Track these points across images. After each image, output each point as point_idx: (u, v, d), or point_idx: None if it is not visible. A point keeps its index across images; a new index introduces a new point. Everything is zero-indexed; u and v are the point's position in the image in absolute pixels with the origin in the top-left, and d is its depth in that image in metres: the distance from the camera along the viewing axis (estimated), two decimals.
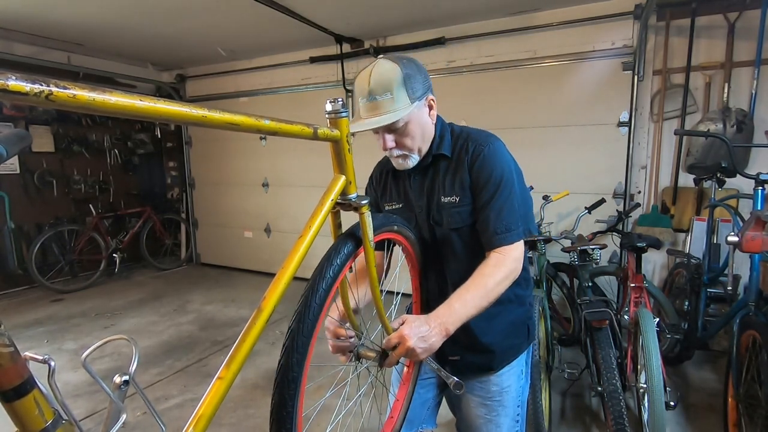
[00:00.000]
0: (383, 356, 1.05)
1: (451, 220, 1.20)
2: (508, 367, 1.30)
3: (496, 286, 1.05)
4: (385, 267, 1.29)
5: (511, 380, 1.30)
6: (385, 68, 1.08)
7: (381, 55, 1.13)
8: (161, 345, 3.51)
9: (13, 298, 4.72)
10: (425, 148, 1.20)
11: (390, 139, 1.14)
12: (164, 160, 6.42)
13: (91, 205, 5.36)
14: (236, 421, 2.49)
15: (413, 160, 1.19)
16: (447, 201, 1.20)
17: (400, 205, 1.30)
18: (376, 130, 1.15)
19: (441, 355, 1.28)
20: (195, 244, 6.29)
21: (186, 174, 6.18)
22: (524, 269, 1.30)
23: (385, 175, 1.36)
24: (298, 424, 0.80)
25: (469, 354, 1.27)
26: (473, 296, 1.03)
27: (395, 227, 1.08)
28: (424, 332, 0.94)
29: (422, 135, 1.17)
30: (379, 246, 1.18)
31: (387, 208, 1.33)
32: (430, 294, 1.29)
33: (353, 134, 0.95)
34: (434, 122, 1.21)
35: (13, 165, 4.81)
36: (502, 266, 1.08)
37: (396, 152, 1.17)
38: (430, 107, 1.18)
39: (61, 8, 3.61)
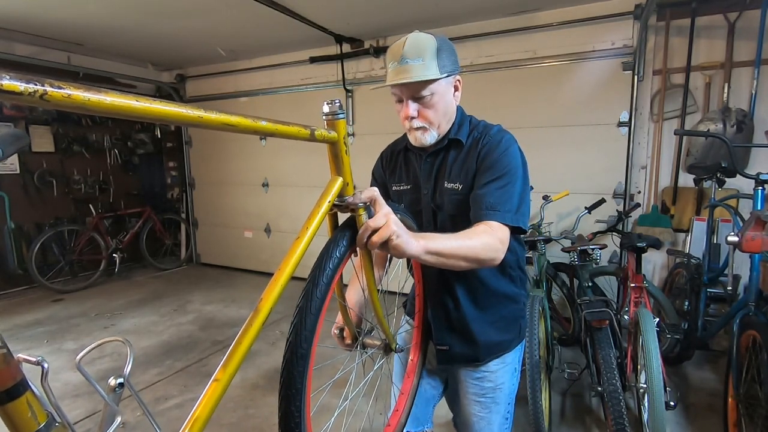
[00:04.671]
0: (387, 349, 1.13)
1: (451, 206, 1.20)
2: (502, 363, 1.30)
3: (479, 246, 1.01)
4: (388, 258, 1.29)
5: (506, 377, 1.31)
6: (421, 37, 1.10)
7: (417, 30, 1.15)
8: (161, 345, 3.51)
9: (13, 298, 4.73)
10: (445, 128, 1.19)
11: (413, 107, 1.13)
12: (164, 160, 6.41)
13: (91, 205, 5.36)
14: (236, 421, 2.49)
15: (431, 136, 1.18)
16: (449, 187, 1.20)
17: (408, 187, 1.30)
18: (399, 99, 1.15)
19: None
20: (195, 244, 6.29)
21: (186, 174, 6.18)
22: (521, 269, 1.32)
23: (395, 156, 1.35)
24: (307, 403, 0.80)
25: (458, 344, 1.28)
26: (451, 241, 0.99)
27: (398, 216, 1.09)
28: (402, 227, 0.90)
29: (445, 111, 1.17)
30: None
31: (395, 188, 1.33)
32: (429, 283, 1.28)
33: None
34: (457, 104, 1.21)
35: (13, 165, 4.81)
36: (486, 235, 1.04)
37: (417, 123, 1.15)
38: (456, 88, 1.19)
39: (61, 8, 3.61)
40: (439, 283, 1.26)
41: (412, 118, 1.14)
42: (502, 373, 1.30)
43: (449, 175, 1.21)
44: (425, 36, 1.10)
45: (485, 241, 1.03)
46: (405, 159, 1.32)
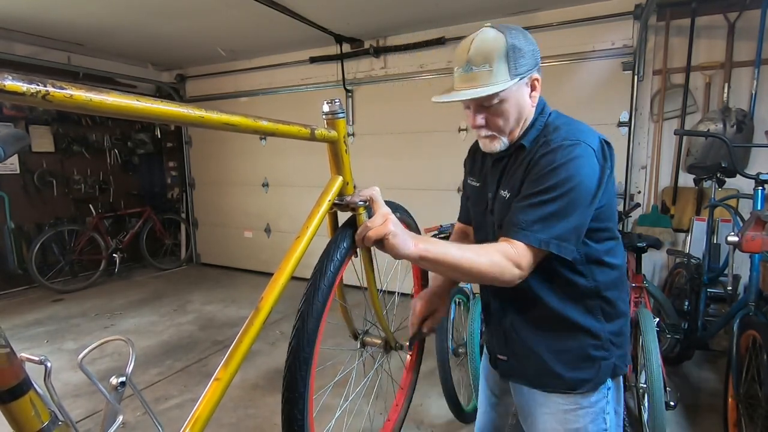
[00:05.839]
0: (387, 347, 1.14)
1: (499, 214, 1.10)
2: (575, 405, 1.10)
3: (485, 263, 0.92)
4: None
5: (586, 421, 1.10)
6: (488, 36, 0.98)
7: (488, 23, 1.02)
8: (161, 345, 3.51)
9: (13, 298, 4.72)
10: (518, 133, 1.07)
11: (480, 116, 1.04)
12: (164, 160, 6.41)
13: (91, 205, 5.35)
14: (236, 421, 2.49)
15: (502, 144, 1.07)
16: (501, 194, 1.10)
17: (479, 185, 1.22)
18: (467, 105, 1.05)
19: (491, 351, 1.25)
20: (195, 244, 6.29)
21: (186, 174, 6.18)
22: (604, 299, 1.09)
23: (478, 150, 1.26)
24: (310, 405, 0.80)
25: (514, 359, 1.16)
26: (454, 251, 0.92)
27: (398, 215, 1.08)
28: (400, 227, 0.89)
29: (517, 117, 1.05)
30: None
31: (469, 181, 1.27)
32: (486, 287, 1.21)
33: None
34: (534, 105, 1.07)
35: (13, 165, 4.81)
36: (499, 254, 0.93)
37: (484, 132, 1.06)
38: (533, 88, 1.05)
39: (61, 8, 3.61)
40: (495, 289, 1.16)
41: (480, 126, 1.06)
42: (582, 415, 1.09)
43: (506, 180, 1.11)
44: (494, 35, 0.98)
45: (494, 259, 0.93)
46: (483, 156, 1.23)
